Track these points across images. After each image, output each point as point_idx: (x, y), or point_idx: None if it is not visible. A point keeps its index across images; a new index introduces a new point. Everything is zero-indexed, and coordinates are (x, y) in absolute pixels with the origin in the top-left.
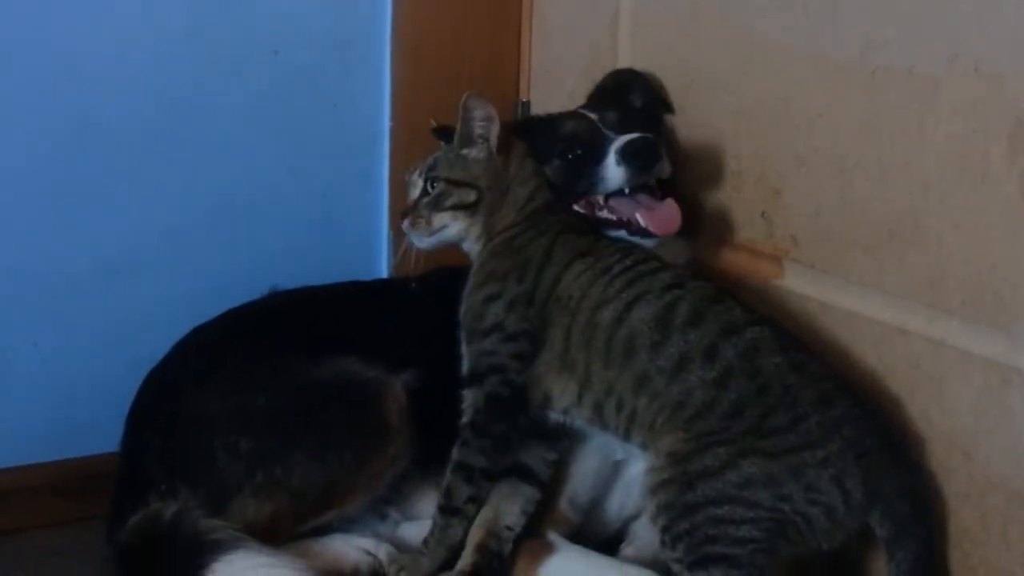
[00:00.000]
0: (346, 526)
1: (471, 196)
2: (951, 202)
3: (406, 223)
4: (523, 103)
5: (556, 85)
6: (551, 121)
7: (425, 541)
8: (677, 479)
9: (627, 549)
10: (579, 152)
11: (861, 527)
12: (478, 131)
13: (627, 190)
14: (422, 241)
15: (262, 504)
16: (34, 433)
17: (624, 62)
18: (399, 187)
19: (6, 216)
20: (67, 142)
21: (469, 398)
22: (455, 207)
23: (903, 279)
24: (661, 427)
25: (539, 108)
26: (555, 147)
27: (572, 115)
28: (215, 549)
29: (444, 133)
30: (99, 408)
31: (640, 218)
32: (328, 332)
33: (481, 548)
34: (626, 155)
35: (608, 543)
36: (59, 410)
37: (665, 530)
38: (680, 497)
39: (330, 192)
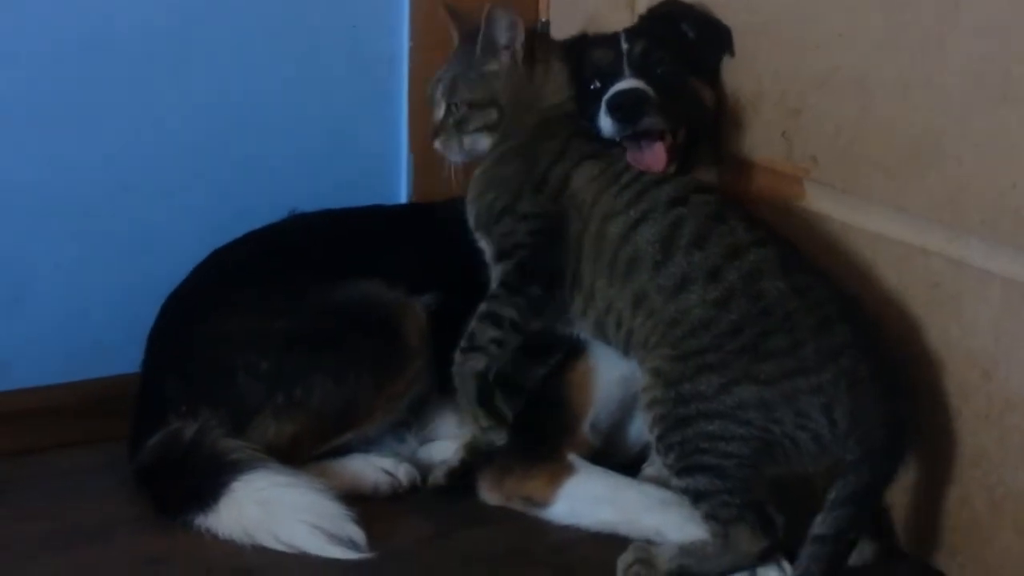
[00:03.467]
0: (365, 447)
1: (493, 115)
2: (972, 121)
3: (438, 143)
4: (543, 22)
5: (576, 3)
6: (589, 43)
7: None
8: (671, 398)
9: (648, 470)
10: (597, 85)
11: (848, 454)
12: (503, 41)
13: (618, 139)
14: (457, 158)
15: (282, 425)
16: (55, 353)
17: None
18: (418, 108)
19: (21, 136)
20: (81, 60)
21: (498, 271)
22: (480, 128)
23: (923, 199)
24: (653, 346)
25: (559, 27)
26: (583, 72)
27: (606, 41)
28: (235, 468)
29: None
30: (120, 328)
31: (628, 156)
32: (349, 255)
33: (470, 447)
34: (610, 108)
35: (630, 465)
36: (80, 330)
37: (659, 439)
38: (673, 411)
39: (349, 112)
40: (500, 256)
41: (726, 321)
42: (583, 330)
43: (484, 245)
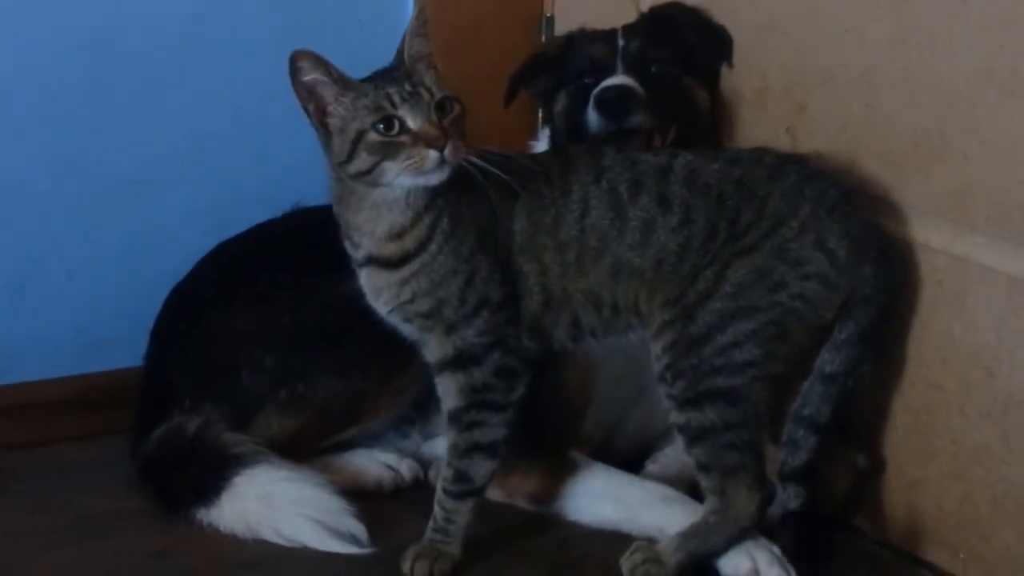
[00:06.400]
0: (369, 442)
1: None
2: (977, 117)
3: (448, 150)
4: (547, 18)
5: None
6: (586, 38)
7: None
8: (678, 317)
9: (651, 466)
10: (590, 80)
11: (853, 284)
12: None
13: (603, 134)
14: (444, 174)
15: (286, 420)
16: (60, 347)
17: None
18: None
19: (29, 130)
20: (90, 55)
21: (465, 379)
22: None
23: (928, 194)
24: (645, 300)
25: (563, 22)
26: (576, 66)
27: (603, 36)
28: (237, 463)
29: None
30: (124, 322)
31: None
32: None
33: None
34: (596, 102)
35: (632, 461)
36: (84, 324)
37: (668, 367)
38: (684, 332)
39: None
40: (467, 361)
41: (698, 231)
42: (556, 343)
43: (425, 341)
